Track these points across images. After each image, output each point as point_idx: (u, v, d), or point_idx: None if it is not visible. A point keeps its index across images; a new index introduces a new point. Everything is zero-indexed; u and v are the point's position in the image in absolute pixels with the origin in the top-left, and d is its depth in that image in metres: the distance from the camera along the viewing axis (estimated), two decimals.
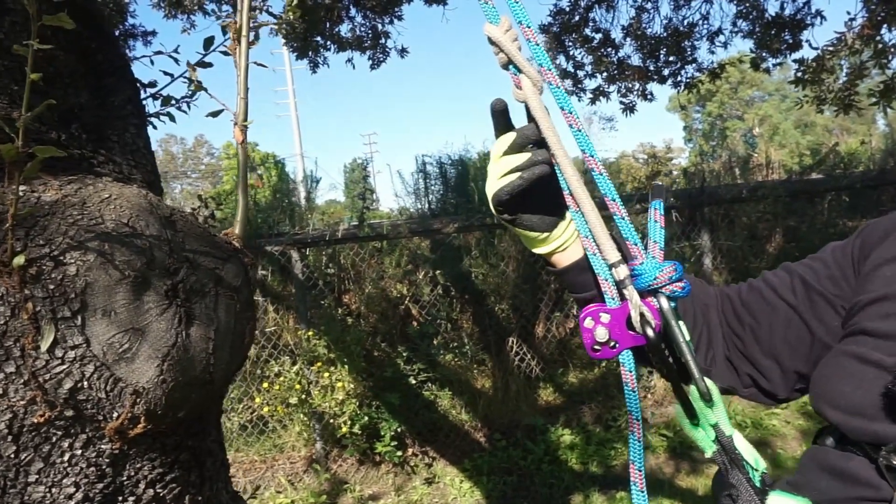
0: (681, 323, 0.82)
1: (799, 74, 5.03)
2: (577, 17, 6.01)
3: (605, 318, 0.83)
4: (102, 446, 0.91)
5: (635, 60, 6.11)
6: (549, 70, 0.83)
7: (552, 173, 0.88)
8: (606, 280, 0.85)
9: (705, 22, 5.98)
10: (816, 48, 5.07)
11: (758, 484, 0.81)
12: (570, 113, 0.83)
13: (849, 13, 4.00)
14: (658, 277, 0.81)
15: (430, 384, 5.11)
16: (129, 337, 0.88)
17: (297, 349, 4.82)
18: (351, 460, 4.71)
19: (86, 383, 0.86)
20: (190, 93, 1.66)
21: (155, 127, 1.76)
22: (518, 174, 0.87)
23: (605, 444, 4.86)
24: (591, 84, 6.33)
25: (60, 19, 0.80)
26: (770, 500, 0.77)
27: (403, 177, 9.96)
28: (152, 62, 1.70)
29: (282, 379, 4.67)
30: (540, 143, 0.88)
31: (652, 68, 6.07)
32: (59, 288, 0.84)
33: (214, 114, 1.15)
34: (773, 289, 0.99)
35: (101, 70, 1.29)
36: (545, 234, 0.94)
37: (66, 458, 0.89)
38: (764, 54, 5.79)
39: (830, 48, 4.70)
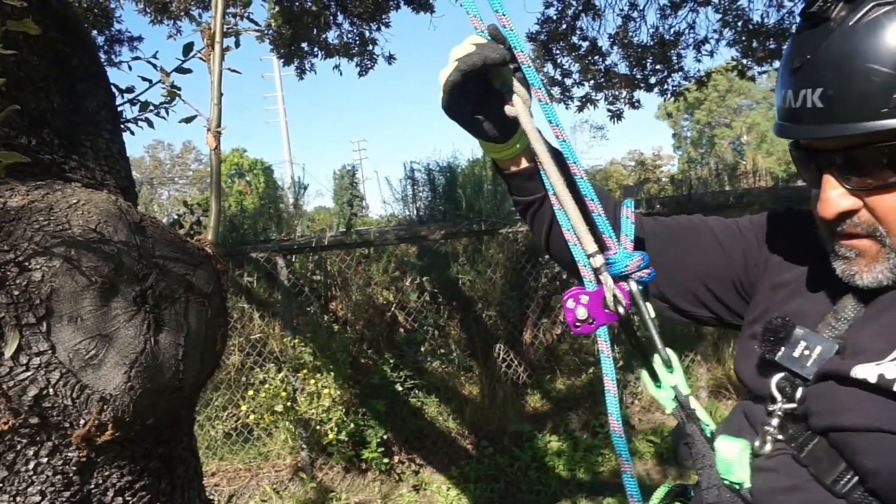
0: (648, 304, 0.98)
1: None
2: (564, 26, 6.02)
3: (584, 299, 0.99)
4: (69, 454, 0.90)
5: (622, 68, 6.14)
6: (539, 89, 0.98)
7: (505, 76, 0.99)
8: (585, 266, 1.00)
9: (691, 31, 6.02)
10: None
11: (708, 434, 0.97)
12: (557, 126, 0.98)
13: None
14: (628, 265, 0.97)
15: (417, 391, 5.10)
16: (95, 343, 0.87)
17: (283, 356, 4.79)
18: (337, 468, 4.69)
19: (51, 390, 0.85)
20: (167, 99, 1.65)
21: (132, 133, 1.76)
22: (455, 66, 0.97)
23: (592, 451, 4.86)
24: (578, 92, 6.36)
25: (25, 25, 0.79)
26: (717, 442, 0.94)
27: (391, 183, 9.94)
28: (130, 67, 1.69)
29: (267, 386, 4.64)
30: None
31: (639, 76, 6.11)
32: (23, 294, 0.83)
33: (188, 119, 1.14)
34: (709, 228, 1.17)
35: (74, 75, 1.28)
36: (497, 144, 1.08)
37: (31, 466, 0.88)
38: (749, 62, 5.84)
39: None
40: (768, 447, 0.93)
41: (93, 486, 0.93)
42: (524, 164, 1.12)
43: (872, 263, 0.85)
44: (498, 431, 5.09)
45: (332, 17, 5.93)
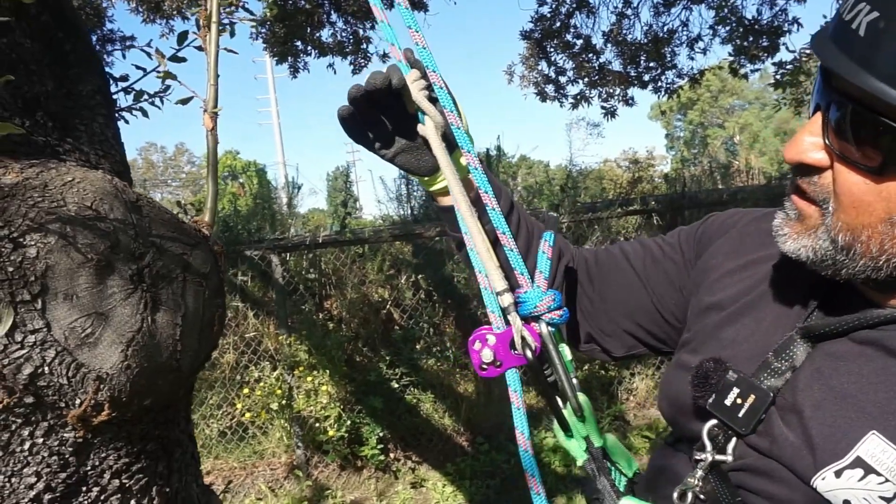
0: (562, 346, 0.93)
1: (777, 77, 5.09)
2: (557, 24, 6.04)
3: (491, 340, 0.92)
4: (65, 434, 0.89)
5: (616, 66, 6.15)
6: (451, 112, 0.94)
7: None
8: (491, 309, 0.93)
9: (685, 28, 6.04)
10: (794, 51, 5.14)
11: (622, 488, 0.92)
12: (469, 151, 0.94)
13: (825, 17, 4.05)
14: (538, 306, 0.91)
15: (412, 388, 5.08)
16: (91, 321, 0.86)
17: (278, 355, 4.78)
18: (332, 466, 4.67)
19: (46, 369, 0.84)
20: (163, 87, 1.64)
21: (126, 121, 1.74)
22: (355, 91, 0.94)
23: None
24: (573, 90, 6.37)
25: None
26: (623, 502, 0.88)
27: (386, 183, 9.93)
28: (125, 55, 1.68)
29: (262, 384, 4.62)
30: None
31: (633, 74, 6.12)
32: (18, 270, 0.82)
33: (184, 101, 1.13)
34: (626, 256, 1.11)
35: (67, 60, 1.27)
36: (426, 177, 1.04)
37: (26, 446, 0.87)
38: (742, 60, 5.86)
39: (808, 50, 4.77)
40: (688, 500, 0.85)
41: (89, 468, 0.92)
42: None
43: (803, 233, 0.76)
44: (494, 428, 5.08)
45: (325, 16, 5.92)
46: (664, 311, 1.05)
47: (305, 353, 4.60)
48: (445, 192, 1.04)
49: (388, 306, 5.42)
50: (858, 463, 0.70)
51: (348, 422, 4.58)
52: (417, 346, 5.33)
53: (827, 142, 0.72)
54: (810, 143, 0.73)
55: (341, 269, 5.39)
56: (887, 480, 0.68)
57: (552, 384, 0.94)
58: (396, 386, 5.01)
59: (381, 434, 4.69)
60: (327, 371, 4.61)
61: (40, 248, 0.83)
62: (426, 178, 1.04)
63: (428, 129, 0.95)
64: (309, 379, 4.55)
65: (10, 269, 0.81)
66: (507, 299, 0.91)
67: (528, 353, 0.90)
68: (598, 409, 5.22)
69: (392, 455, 4.79)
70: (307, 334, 4.70)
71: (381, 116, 1.00)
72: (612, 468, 0.95)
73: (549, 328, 0.92)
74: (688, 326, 1.00)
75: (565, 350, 0.95)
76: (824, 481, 0.72)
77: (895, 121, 0.64)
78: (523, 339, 0.91)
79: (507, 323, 0.92)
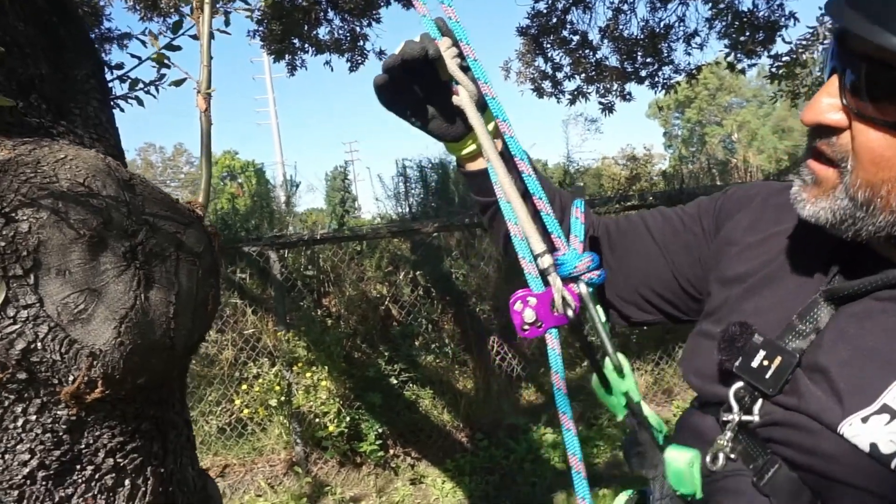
0: (598, 307, 0.94)
1: (773, 69, 5.09)
2: (554, 20, 6.03)
3: (532, 301, 0.93)
4: (58, 412, 0.89)
5: (613, 61, 6.14)
6: (485, 82, 0.96)
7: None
8: (530, 270, 0.95)
9: (681, 24, 6.03)
10: (790, 42, 5.14)
11: (661, 442, 0.92)
12: (504, 121, 0.96)
13: (821, 9, 4.06)
14: (577, 266, 0.92)
15: (411, 384, 5.08)
16: (84, 297, 0.86)
17: (276, 351, 4.78)
18: (332, 462, 4.67)
19: (39, 344, 0.84)
20: (158, 76, 1.64)
21: (122, 109, 1.74)
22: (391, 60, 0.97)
23: (587, 443, 4.85)
24: (570, 85, 6.36)
25: None
26: (667, 452, 0.89)
27: (384, 181, 9.92)
28: (121, 46, 1.68)
29: (261, 381, 4.62)
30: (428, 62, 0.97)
31: (629, 69, 6.11)
32: (10, 245, 0.81)
33: (178, 82, 1.13)
34: (647, 226, 1.12)
35: (62, 45, 1.27)
36: (455, 143, 1.06)
37: (19, 423, 0.87)
38: (739, 55, 5.86)
39: (804, 42, 4.77)
40: (721, 462, 0.87)
41: (83, 446, 0.92)
42: (484, 162, 1.07)
43: (820, 197, 0.78)
44: (493, 424, 5.08)
45: (322, 13, 5.91)
46: (682, 282, 1.07)
47: (304, 350, 4.60)
48: (472, 157, 1.09)
49: (386, 303, 5.42)
50: (885, 409, 0.72)
51: (347, 418, 4.58)
52: (416, 343, 5.33)
53: (844, 102, 0.73)
54: (828, 104, 0.75)
55: (339, 265, 5.39)
56: None
57: (590, 344, 0.95)
58: (395, 382, 5.01)
59: (380, 430, 4.69)
60: (326, 367, 4.61)
61: (32, 224, 0.83)
62: (454, 144, 1.08)
63: (463, 98, 0.98)
64: (308, 375, 4.55)
65: (3, 243, 0.81)
66: (546, 261, 0.93)
67: (570, 313, 0.91)
68: (597, 406, 5.22)
69: (391, 451, 4.78)
70: (306, 330, 4.70)
71: (412, 85, 1.02)
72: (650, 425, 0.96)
73: (588, 288, 0.93)
74: (710, 299, 1.01)
75: (600, 311, 0.96)
76: (851, 427, 0.74)
77: None
78: (563, 299, 0.92)
79: (546, 284, 0.94)
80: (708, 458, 0.88)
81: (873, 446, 0.72)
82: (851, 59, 0.72)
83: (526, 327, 0.94)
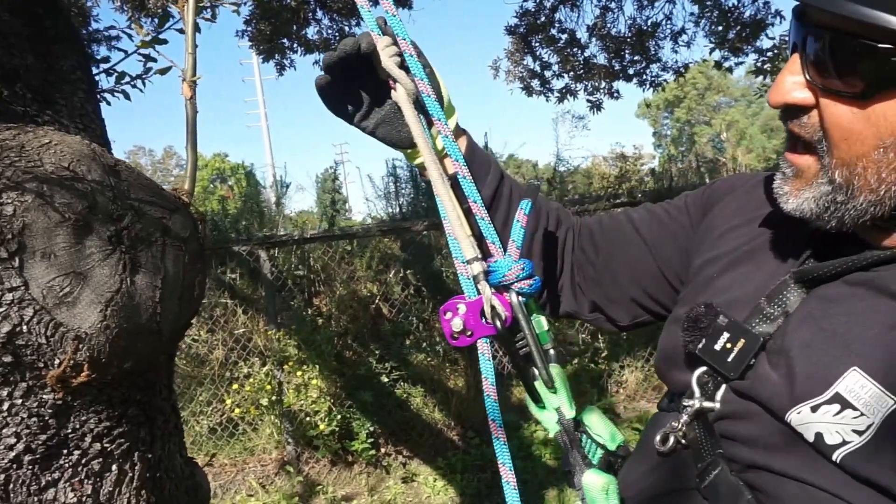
0: (537, 317, 0.93)
1: (759, 65, 5.12)
2: (542, 18, 6.06)
3: (461, 309, 0.91)
4: (44, 396, 0.89)
5: (601, 59, 6.18)
6: (422, 80, 0.94)
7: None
8: (462, 277, 0.93)
9: (668, 21, 6.08)
10: (773, 38, 5.18)
11: (596, 460, 0.89)
12: (440, 121, 0.94)
13: None
14: (507, 275, 0.90)
15: (402, 383, 5.08)
16: (70, 280, 0.86)
17: (267, 351, 4.77)
18: (323, 461, 4.66)
19: (25, 327, 0.84)
20: (145, 70, 1.64)
21: (108, 103, 1.75)
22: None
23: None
24: (558, 84, 6.40)
25: None
26: (585, 476, 0.85)
27: (374, 181, 9.89)
28: (109, 48, 1.68)
29: (252, 380, 4.61)
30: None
31: (617, 67, 6.15)
32: None
33: (163, 71, 1.14)
34: (632, 223, 1.09)
35: (48, 36, 1.27)
36: (409, 150, 1.03)
37: (4, 407, 0.87)
38: (725, 53, 5.90)
39: (787, 37, 4.81)
40: (671, 442, 0.85)
41: (70, 431, 0.92)
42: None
43: (803, 188, 0.75)
44: (484, 422, 5.07)
45: (311, 13, 5.92)
46: (670, 276, 1.04)
47: (295, 349, 4.59)
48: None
49: (377, 301, 5.42)
50: (836, 399, 0.70)
51: (339, 416, 4.57)
52: (407, 341, 5.33)
53: (808, 77, 0.71)
54: (793, 82, 0.73)
55: (330, 264, 5.39)
56: (862, 414, 0.68)
57: (526, 355, 0.93)
58: (386, 381, 5.01)
59: (371, 429, 4.68)
60: (317, 366, 4.60)
61: (17, 206, 0.83)
62: (409, 151, 1.05)
63: (399, 95, 0.95)
64: (299, 374, 4.54)
65: None
66: (476, 268, 0.91)
67: (498, 323, 0.89)
68: (588, 403, 5.24)
69: (383, 450, 4.78)
70: (296, 329, 4.69)
71: (359, 89, 1.01)
72: (589, 440, 0.92)
73: (520, 298, 0.91)
74: (686, 283, 1.00)
75: (541, 321, 0.95)
76: (799, 415, 0.71)
77: (871, 40, 0.64)
78: (493, 308, 0.90)
79: (479, 292, 0.91)
80: (658, 437, 0.86)
81: (818, 436, 0.70)
82: (813, 34, 0.70)
83: (455, 336, 0.92)
